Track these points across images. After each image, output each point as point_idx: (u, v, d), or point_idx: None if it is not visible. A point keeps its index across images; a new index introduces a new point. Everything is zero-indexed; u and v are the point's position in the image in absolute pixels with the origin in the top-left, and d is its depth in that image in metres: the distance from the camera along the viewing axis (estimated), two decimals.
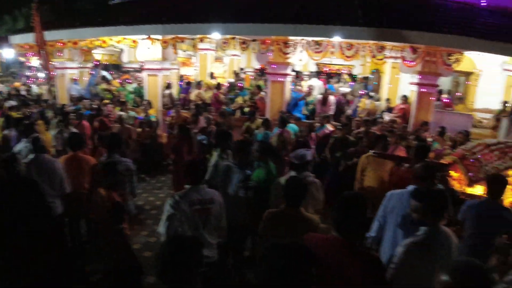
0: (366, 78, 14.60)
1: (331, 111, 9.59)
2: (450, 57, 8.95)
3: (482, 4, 11.03)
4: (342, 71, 16.60)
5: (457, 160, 5.08)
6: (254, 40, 9.19)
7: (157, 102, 10.60)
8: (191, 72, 16.18)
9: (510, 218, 3.51)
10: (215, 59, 18.08)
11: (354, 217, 2.35)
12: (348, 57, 8.94)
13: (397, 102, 11.01)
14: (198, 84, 10.52)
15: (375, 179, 5.49)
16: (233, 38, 9.47)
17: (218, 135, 5.71)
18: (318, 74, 15.82)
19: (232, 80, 13.31)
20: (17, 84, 16.02)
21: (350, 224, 2.34)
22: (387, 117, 9.53)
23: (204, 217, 3.47)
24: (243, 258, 4.88)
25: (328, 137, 7.65)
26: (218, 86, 10.37)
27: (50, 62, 10.20)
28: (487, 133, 10.50)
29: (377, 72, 14.04)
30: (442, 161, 5.63)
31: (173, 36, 9.86)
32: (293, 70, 14.53)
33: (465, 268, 1.74)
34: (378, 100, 11.09)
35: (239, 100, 9.81)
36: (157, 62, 10.68)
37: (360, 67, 15.96)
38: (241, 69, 16.68)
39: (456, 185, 5.09)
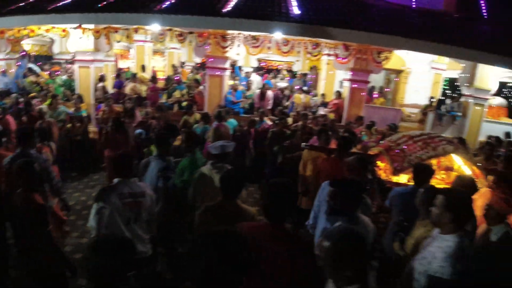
0: (305, 75, 14.97)
1: (269, 105, 9.72)
2: (380, 55, 9.43)
3: (413, 6, 11.73)
4: (279, 67, 16.89)
5: (383, 151, 5.36)
6: (191, 33, 9.03)
7: (89, 96, 10.10)
8: (129, 65, 15.62)
9: None
10: (156, 52, 17.65)
11: (281, 203, 2.39)
12: (284, 52, 9.11)
13: (332, 97, 11.41)
14: (134, 77, 10.14)
15: (314, 171, 5.67)
16: (170, 30, 9.25)
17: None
18: (258, 69, 15.94)
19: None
20: None
21: (277, 210, 2.38)
22: (321, 111, 9.84)
23: (135, 211, 3.39)
24: (176, 254, 4.79)
25: (267, 131, 7.75)
26: (153, 79, 10.08)
27: None
28: (415, 126, 11.22)
29: (314, 69, 14.44)
30: (369, 152, 5.93)
31: (106, 25, 9.43)
32: (233, 65, 14.62)
33: (341, 233, 1.85)
34: (315, 95, 11.42)
35: (177, 94, 9.62)
36: (89, 53, 10.13)
37: (299, 64, 16.31)
38: (183, 63, 16.38)
39: (382, 175, 5.36)
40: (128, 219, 3.36)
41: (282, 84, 11.23)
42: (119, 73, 10.84)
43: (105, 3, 9.68)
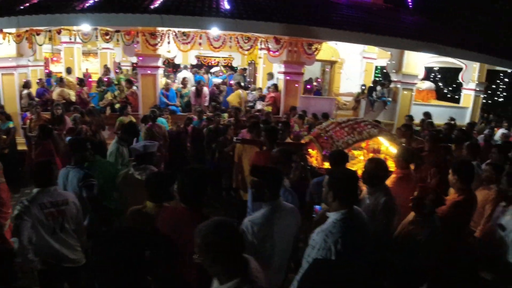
0: (244, 69, 15.03)
1: (206, 102, 9.64)
2: (310, 47, 9.65)
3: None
4: (219, 63, 16.86)
5: (313, 139, 5.48)
6: (117, 31, 8.73)
7: (15, 104, 9.48)
8: (60, 69, 14.84)
9: None
10: (89, 53, 16.91)
11: (194, 188, 2.51)
12: (215, 48, 9.05)
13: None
14: (61, 82, 9.62)
15: (248, 164, 5.74)
16: (95, 29, 8.89)
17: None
18: (198, 66, 15.79)
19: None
20: None
21: (193, 194, 2.51)
22: (259, 105, 9.92)
23: (60, 220, 3.29)
24: None
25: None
26: (81, 82, 9.61)
27: None
28: (349, 114, 11.64)
29: (253, 63, 14.55)
30: (302, 141, 6.08)
31: (27, 28, 8.88)
32: (169, 62, 14.36)
33: (208, 226, 1.82)
34: (254, 90, 11.48)
35: (109, 96, 9.26)
36: (12, 59, 9.52)
37: (238, 59, 16.35)
38: (118, 63, 15.85)
39: (314, 162, 5.49)
40: (53, 228, 3.26)
41: (218, 79, 11.17)
42: (41, 78, 10.14)
43: (27, 5, 9.13)
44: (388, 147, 5.53)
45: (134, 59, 15.59)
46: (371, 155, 5.58)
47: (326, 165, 5.24)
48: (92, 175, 4.00)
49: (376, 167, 3.43)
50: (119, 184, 4.03)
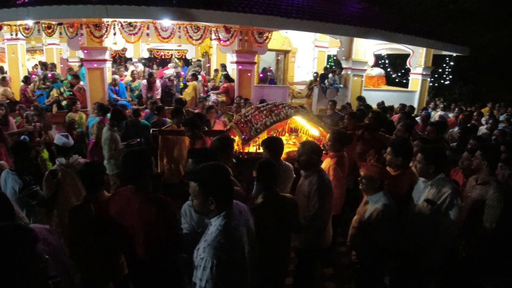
0: (199, 61, 14.84)
1: (158, 95, 9.44)
2: (261, 36, 9.68)
3: None
4: (167, 54, 16.63)
5: (233, 125, 5.48)
6: (60, 24, 8.35)
7: None
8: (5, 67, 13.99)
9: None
10: (35, 50, 16.07)
11: (138, 169, 2.67)
12: (164, 38, 8.87)
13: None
14: (3, 81, 9.09)
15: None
16: (37, 23, 8.47)
17: None
18: (150, 60, 15.44)
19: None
20: None
21: (137, 175, 2.66)
22: (213, 96, 9.85)
23: None
24: None
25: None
26: (27, 80, 9.13)
27: None
28: (303, 102, 11.83)
29: (206, 55, 14.42)
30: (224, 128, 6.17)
31: None
32: (120, 56, 13.93)
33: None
34: (209, 81, 11.37)
35: (54, 93, 8.85)
36: None
37: (192, 51, 16.14)
38: (66, 60, 15.15)
39: (235, 147, 5.45)
40: None
41: (169, 71, 10.97)
42: None
43: None
44: (304, 127, 5.59)
45: (82, 55, 15.10)
46: (293, 136, 5.71)
47: (247, 149, 5.27)
48: (31, 181, 3.70)
49: (311, 150, 3.47)
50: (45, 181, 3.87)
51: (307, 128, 5.48)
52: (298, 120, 5.42)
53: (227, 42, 9.29)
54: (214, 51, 13.26)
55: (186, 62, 17.03)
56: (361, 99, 10.28)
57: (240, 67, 9.85)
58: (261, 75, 11.87)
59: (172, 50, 16.00)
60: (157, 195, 2.77)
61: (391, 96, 12.54)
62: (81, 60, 14.41)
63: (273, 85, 12.23)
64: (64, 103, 8.83)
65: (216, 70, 12.03)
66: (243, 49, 9.77)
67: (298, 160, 3.53)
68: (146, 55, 15.34)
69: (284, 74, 14.03)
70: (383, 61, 16.34)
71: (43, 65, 11.44)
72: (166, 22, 8.70)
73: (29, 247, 1.71)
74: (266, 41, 9.78)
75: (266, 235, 2.66)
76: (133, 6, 8.08)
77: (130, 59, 14.66)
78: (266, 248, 2.64)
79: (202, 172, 2.17)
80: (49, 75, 9.20)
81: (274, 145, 3.83)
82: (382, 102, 10.11)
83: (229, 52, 10.23)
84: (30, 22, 8.66)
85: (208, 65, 14.47)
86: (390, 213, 3.19)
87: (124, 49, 12.57)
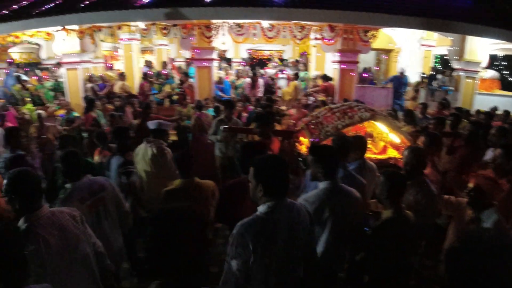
0: (297, 61, 14.88)
1: (260, 93, 9.68)
2: (366, 34, 9.36)
3: None
4: (266, 55, 16.90)
5: (304, 126, 5.24)
6: (175, 25, 8.96)
7: (79, 97, 10.07)
8: (119, 66, 15.52)
9: None
10: (145, 50, 17.53)
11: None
12: (269, 38, 9.02)
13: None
14: (121, 76, 10.10)
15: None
16: (153, 24, 9.18)
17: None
18: (249, 60, 15.88)
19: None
20: None
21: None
22: (312, 96, 9.79)
23: (101, 207, 3.05)
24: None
25: None
26: (145, 76, 10.05)
27: None
28: (408, 104, 11.18)
29: (305, 55, 14.38)
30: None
31: (89, 25, 9.37)
32: (222, 57, 14.51)
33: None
34: (303, 80, 11.34)
35: (167, 88, 9.57)
36: (76, 55, 10.13)
37: (289, 51, 16.23)
38: (172, 59, 16.31)
39: (303, 149, 5.22)
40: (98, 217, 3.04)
41: (271, 71, 11.16)
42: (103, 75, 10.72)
43: (87, 2, 9.63)
44: (383, 133, 5.20)
45: (187, 55, 16.08)
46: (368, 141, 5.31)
47: None
48: (132, 162, 4.24)
49: (416, 157, 3.17)
50: (137, 160, 4.37)
51: (386, 133, 5.12)
52: (377, 125, 5.09)
53: (332, 40, 9.14)
54: (314, 49, 13.14)
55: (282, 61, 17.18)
56: (460, 110, 9.32)
57: (343, 66, 9.64)
58: (365, 75, 11.49)
59: (271, 50, 16.31)
60: None
61: (507, 102, 11.27)
62: (187, 59, 15.43)
63: (376, 86, 11.76)
64: (174, 97, 9.50)
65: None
66: (346, 48, 9.53)
67: (405, 168, 3.25)
68: (245, 55, 15.84)
69: (385, 74, 13.42)
70: (497, 62, 14.77)
71: (148, 64, 12.44)
72: (270, 22, 8.84)
73: None
74: (371, 40, 9.43)
75: (387, 258, 2.48)
76: (241, 8, 8.37)
77: (230, 59, 15.26)
78: (385, 271, 2.46)
79: (260, 159, 2.24)
80: (164, 72, 9.95)
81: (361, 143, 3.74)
82: (496, 108, 9.13)
83: (331, 51, 10.06)
84: (141, 24, 9.40)
85: (310, 63, 14.33)
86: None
87: (225, 50, 13.14)
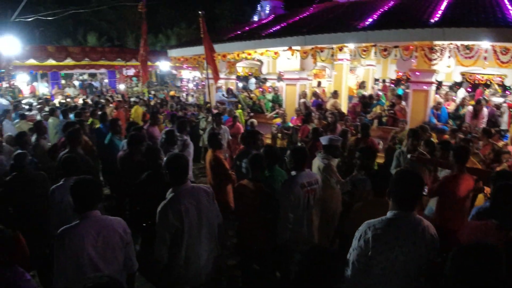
0: None
1: (483, 124, 8.66)
2: None
3: None
4: (487, 81, 15.02)
5: None
6: (396, 47, 8.96)
7: (294, 110, 11.09)
8: (324, 84, 16.40)
9: None
10: (350, 70, 18.03)
11: None
12: (503, 62, 8.06)
13: None
14: (335, 94, 10.67)
15: None
16: (374, 45, 9.39)
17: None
18: (460, 85, 14.53)
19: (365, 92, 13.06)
20: (172, 92, 18.40)
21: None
22: None
23: (311, 197, 3.96)
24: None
25: None
26: (335, 94, 10.42)
27: (205, 71, 11.40)
28: None
29: None
30: None
31: (312, 46, 10.24)
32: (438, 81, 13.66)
33: None
34: None
35: (377, 109, 9.60)
36: (296, 72, 11.27)
37: None
38: (376, 79, 16.31)
39: None
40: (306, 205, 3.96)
41: (498, 99, 9.86)
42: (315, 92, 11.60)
43: (311, 26, 10.59)
44: None
45: (393, 75, 15.81)
46: None
47: None
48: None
49: None
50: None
51: None
52: None
53: None
54: None
55: (504, 88, 15.13)
56: None
57: None
58: None
59: (489, 74, 14.54)
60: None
61: None
62: (391, 80, 15.19)
63: None
64: (384, 119, 9.47)
65: None
66: None
67: None
68: (458, 78, 14.55)
69: None
70: None
71: (363, 84, 12.70)
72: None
73: None
74: None
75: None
76: (471, 29, 7.78)
77: (441, 82, 14.26)
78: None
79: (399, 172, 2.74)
80: (379, 93, 10.07)
81: None
82: None
83: None
84: (351, 45, 9.64)
85: None
86: None
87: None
